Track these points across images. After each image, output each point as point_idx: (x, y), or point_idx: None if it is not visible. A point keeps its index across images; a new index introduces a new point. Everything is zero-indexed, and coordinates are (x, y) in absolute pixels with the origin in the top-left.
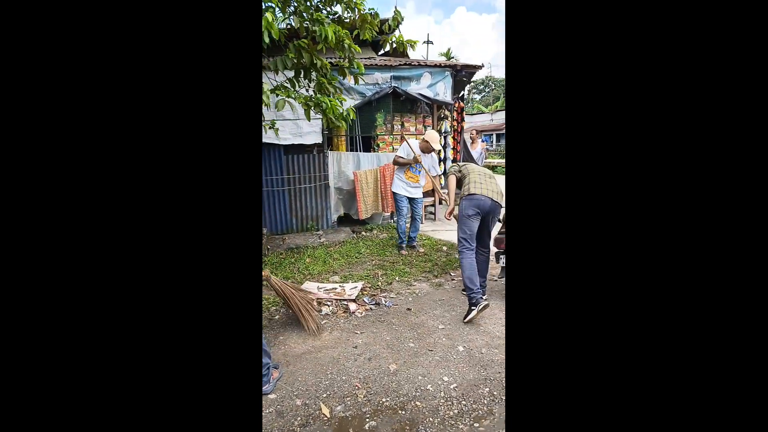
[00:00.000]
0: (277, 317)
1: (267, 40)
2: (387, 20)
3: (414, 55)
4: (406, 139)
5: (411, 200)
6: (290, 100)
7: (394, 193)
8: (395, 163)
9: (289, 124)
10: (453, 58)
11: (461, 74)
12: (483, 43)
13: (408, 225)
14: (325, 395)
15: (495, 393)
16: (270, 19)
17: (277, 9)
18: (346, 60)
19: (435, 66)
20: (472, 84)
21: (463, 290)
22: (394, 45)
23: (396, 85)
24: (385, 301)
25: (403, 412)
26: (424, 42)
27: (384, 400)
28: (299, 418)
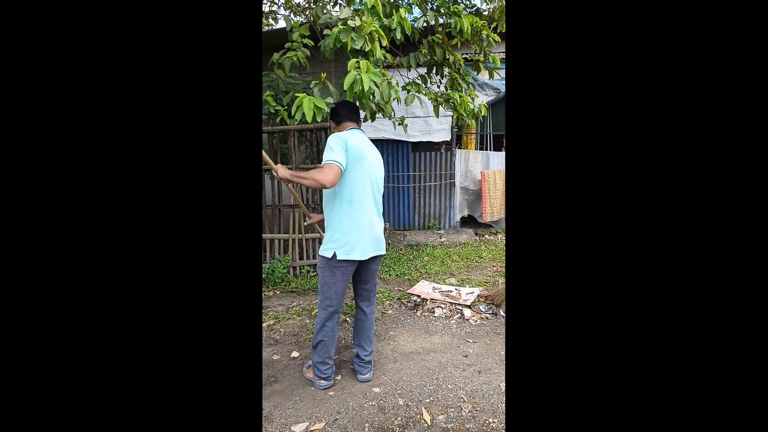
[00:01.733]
0: (390, 312)
1: (399, 35)
2: None
3: None
4: None
5: None
6: (420, 95)
7: None
8: None
9: (419, 122)
10: None
11: None
12: None
13: None
14: (428, 400)
15: None
16: (403, 15)
17: (414, 6)
18: (481, 54)
19: None
20: None
21: None
22: None
23: None
24: (503, 312)
25: None
26: None
27: (491, 420)
28: (399, 418)
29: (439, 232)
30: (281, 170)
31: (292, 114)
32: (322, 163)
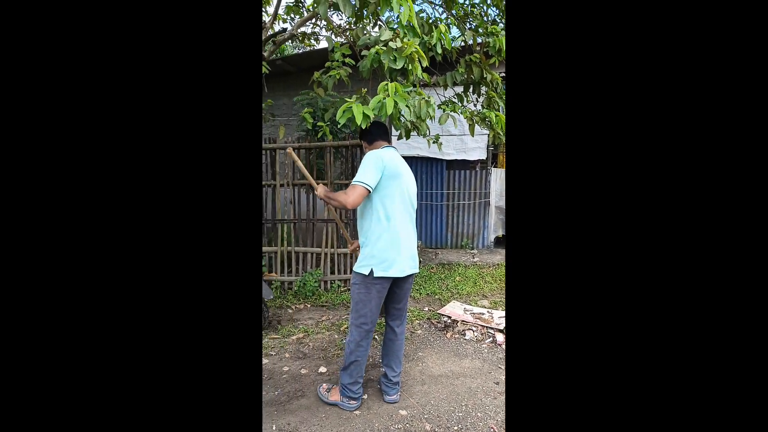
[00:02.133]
0: (419, 331)
1: (440, 52)
2: None
3: None
4: None
5: None
6: (454, 114)
7: None
8: None
9: (454, 140)
10: None
11: None
12: None
13: None
14: (456, 428)
15: None
16: (443, 30)
17: (453, 27)
18: None
19: None
20: None
21: None
22: None
23: None
24: None
25: None
26: None
27: None
28: None
29: (472, 251)
30: (320, 189)
31: (338, 119)
32: (352, 182)
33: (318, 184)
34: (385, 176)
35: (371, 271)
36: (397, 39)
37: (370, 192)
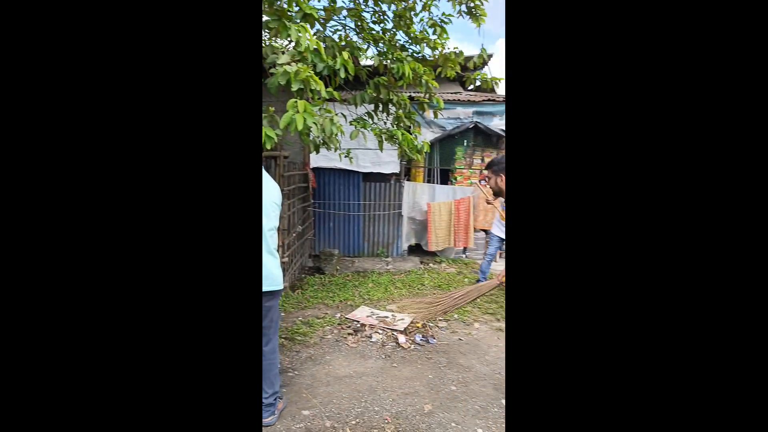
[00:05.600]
0: (329, 336)
1: (343, 75)
2: (472, 58)
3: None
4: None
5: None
6: (364, 130)
7: (489, 232)
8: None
9: (370, 153)
10: None
11: None
12: None
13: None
14: (354, 422)
15: None
16: (346, 57)
17: (368, 45)
18: (427, 95)
19: None
20: None
21: None
22: (478, 83)
23: (478, 121)
24: (434, 339)
25: None
26: None
27: None
28: None
29: (386, 259)
30: None
31: None
32: None
33: None
34: None
35: None
36: (293, 64)
37: None
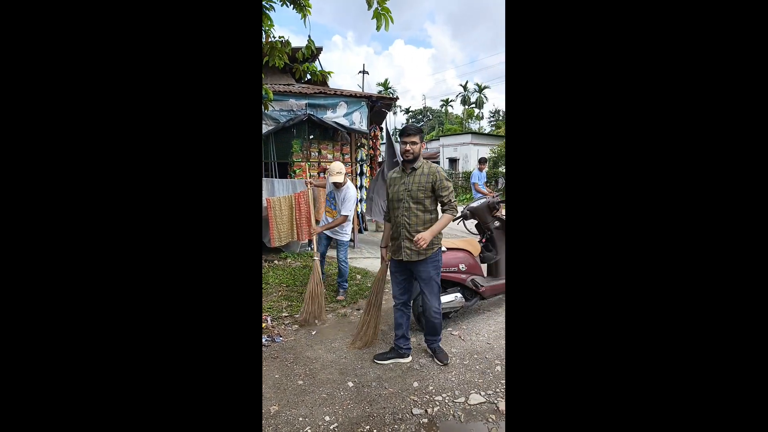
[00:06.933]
0: None
1: None
2: (300, 49)
3: (342, 84)
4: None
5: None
6: None
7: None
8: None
9: None
10: (390, 88)
11: (377, 104)
12: (420, 75)
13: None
14: None
15: (375, 431)
16: None
17: None
18: None
19: (351, 96)
20: (410, 114)
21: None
22: (308, 75)
23: (311, 113)
24: (280, 338)
25: None
26: (359, 72)
27: None
28: None
29: None
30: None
31: None
32: None
33: None
34: None
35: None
36: None
37: None
